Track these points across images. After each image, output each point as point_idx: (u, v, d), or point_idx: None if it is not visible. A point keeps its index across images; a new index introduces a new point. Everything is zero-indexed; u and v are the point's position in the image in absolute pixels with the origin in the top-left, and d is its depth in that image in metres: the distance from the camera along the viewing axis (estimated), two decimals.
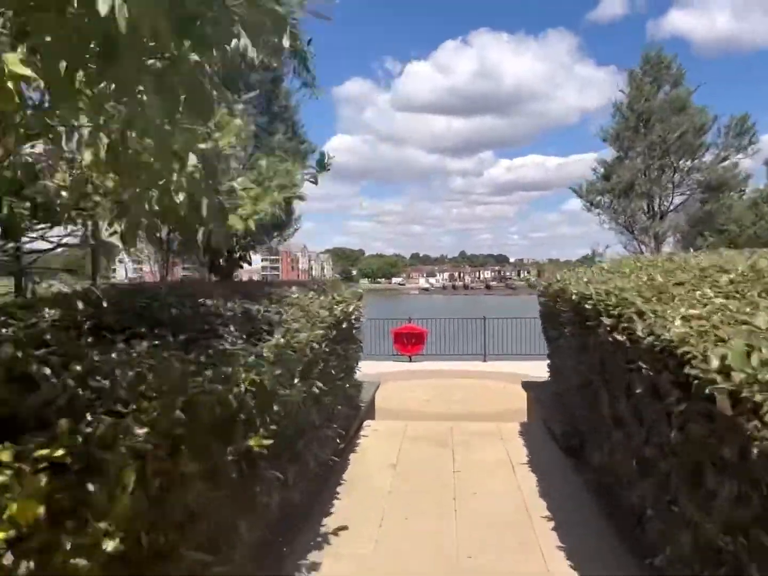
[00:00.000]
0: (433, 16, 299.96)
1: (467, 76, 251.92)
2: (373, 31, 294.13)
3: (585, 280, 4.84)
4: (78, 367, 1.90)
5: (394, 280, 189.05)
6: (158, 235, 7.52)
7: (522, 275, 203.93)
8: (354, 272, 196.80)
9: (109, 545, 1.47)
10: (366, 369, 7.99)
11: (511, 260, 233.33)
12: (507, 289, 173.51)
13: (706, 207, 19.49)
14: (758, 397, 1.72)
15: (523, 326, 14.10)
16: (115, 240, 2.72)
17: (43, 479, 1.36)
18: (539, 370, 8.00)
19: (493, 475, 5.24)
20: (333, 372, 4.66)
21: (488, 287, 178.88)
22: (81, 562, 1.41)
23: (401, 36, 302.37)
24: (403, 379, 12.45)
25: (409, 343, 14.74)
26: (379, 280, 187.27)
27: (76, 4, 1.44)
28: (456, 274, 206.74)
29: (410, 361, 14.73)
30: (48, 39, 1.51)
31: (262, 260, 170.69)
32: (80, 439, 1.51)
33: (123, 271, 25.60)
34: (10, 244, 3.24)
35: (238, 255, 7.29)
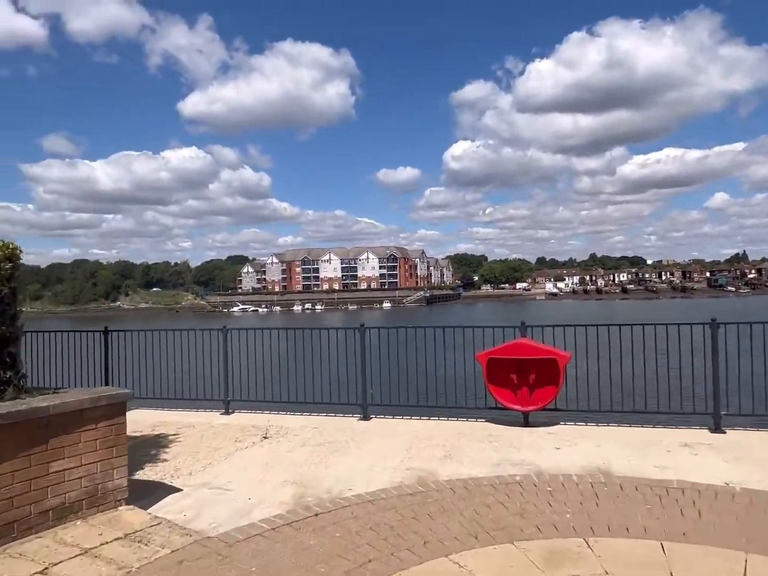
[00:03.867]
0: (556, 10, 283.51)
1: (595, 69, 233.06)
2: (492, 31, 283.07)
3: None
4: None
5: (519, 285, 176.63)
6: None
7: (664, 277, 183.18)
8: (475, 278, 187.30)
9: None
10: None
11: (649, 262, 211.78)
12: (647, 292, 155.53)
13: None
14: None
15: None
16: None
17: None
18: None
19: None
20: None
21: (625, 290, 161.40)
22: None
23: (522, 34, 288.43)
24: None
25: (521, 382, 6.75)
26: (502, 285, 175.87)
27: None
28: (587, 278, 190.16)
29: (526, 424, 6.80)
30: None
31: (380, 267, 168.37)
32: None
33: None
34: None
35: None
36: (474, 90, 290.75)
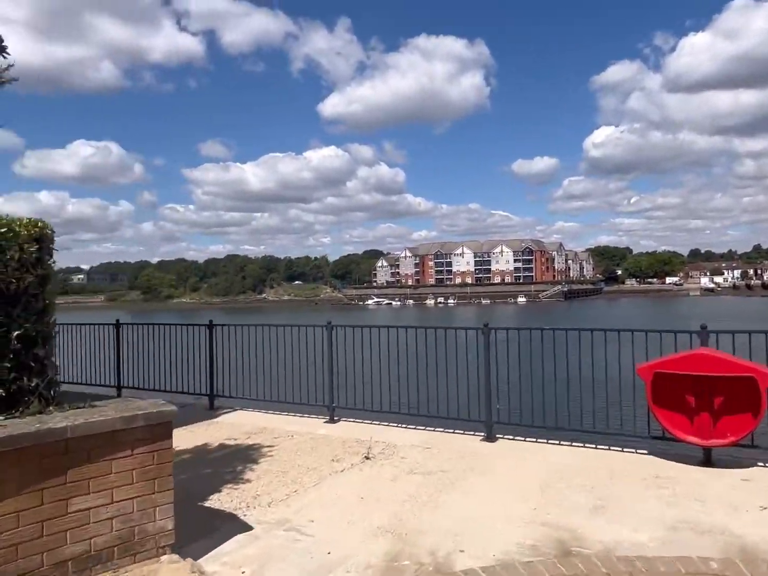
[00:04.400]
0: None
1: (762, 38, 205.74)
2: (638, 7, 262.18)
3: None
4: None
5: (669, 279, 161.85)
6: None
7: None
8: (619, 272, 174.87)
9: None
10: None
11: None
12: None
13: None
14: None
15: None
16: None
17: None
18: None
19: None
20: None
21: None
22: None
23: (673, 7, 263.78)
24: None
25: (702, 407, 5.00)
26: (650, 280, 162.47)
27: None
28: (751, 271, 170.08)
29: (707, 463, 5.06)
30: None
31: (514, 260, 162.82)
32: None
33: None
34: None
35: None
36: (618, 71, 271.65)
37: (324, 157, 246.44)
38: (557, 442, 5.95)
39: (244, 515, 4.31)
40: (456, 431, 6.51)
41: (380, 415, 7.02)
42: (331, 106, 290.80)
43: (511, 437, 6.22)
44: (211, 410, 8.07)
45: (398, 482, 4.94)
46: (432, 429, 6.66)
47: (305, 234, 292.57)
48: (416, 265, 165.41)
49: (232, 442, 6.34)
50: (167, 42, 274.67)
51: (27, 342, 3.32)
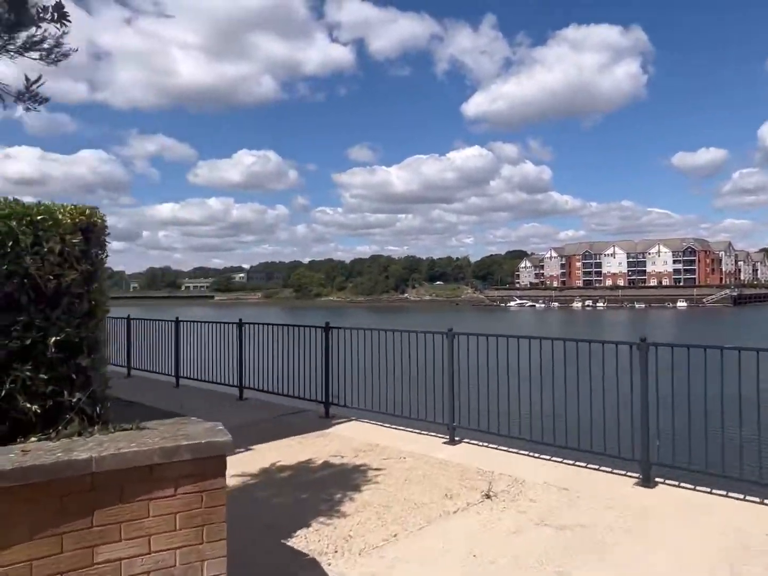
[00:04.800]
0: None
1: None
2: None
3: None
4: None
5: None
6: None
7: None
8: None
9: None
10: None
11: None
12: None
13: None
14: None
15: None
16: None
17: None
18: None
19: None
20: None
21: None
22: None
23: None
24: None
25: None
26: None
27: None
28: None
29: None
30: None
31: (674, 261, 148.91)
32: None
33: None
34: None
35: None
36: None
37: (467, 157, 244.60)
38: (741, 496, 4.54)
39: (329, 563, 3.57)
40: (601, 468, 5.29)
41: (509, 440, 5.98)
42: (475, 105, 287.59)
43: (674, 483, 4.88)
44: (326, 418, 7.52)
45: (522, 536, 3.92)
46: (571, 462, 5.49)
47: (448, 234, 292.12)
48: (562, 265, 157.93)
49: (338, 461, 5.68)
50: (320, 54, 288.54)
51: (68, 350, 2.83)
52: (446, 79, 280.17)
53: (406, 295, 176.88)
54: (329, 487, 4.88)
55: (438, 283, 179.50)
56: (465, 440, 6.29)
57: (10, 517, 2.34)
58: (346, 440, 6.42)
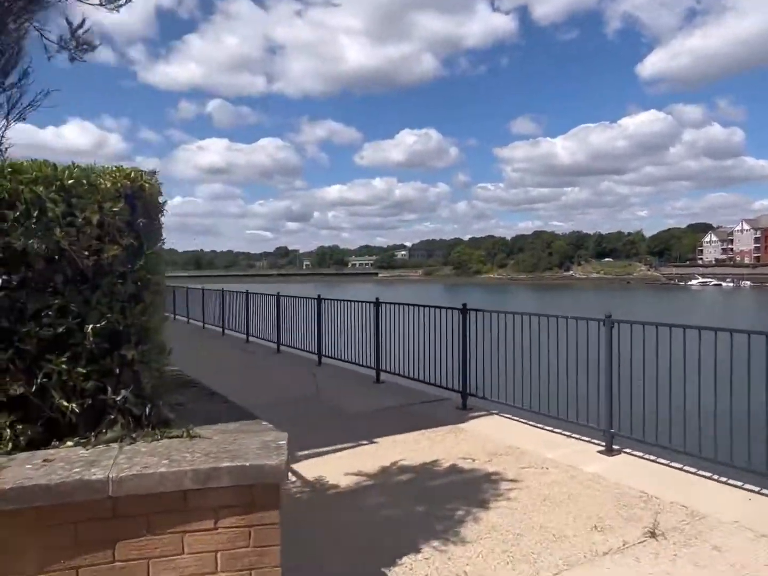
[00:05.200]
0: None
1: None
2: None
3: None
4: None
5: None
6: None
7: None
8: None
9: None
10: None
11: None
12: None
13: None
14: None
15: None
16: None
17: None
18: None
19: None
20: None
21: None
22: None
23: None
24: None
25: None
26: None
27: None
28: None
29: None
30: None
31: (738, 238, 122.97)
32: None
33: None
34: None
35: None
36: None
37: (642, 122, 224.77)
38: None
39: None
40: None
41: (683, 456, 4.76)
42: (652, 64, 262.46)
43: None
44: (463, 410, 6.76)
45: None
46: None
47: (618, 208, 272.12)
48: (756, 239, 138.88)
49: (467, 465, 4.92)
50: (481, 26, 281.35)
51: (111, 339, 2.38)
52: (619, 39, 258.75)
53: (571, 272, 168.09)
54: (452, 500, 4.14)
55: (607, 259, 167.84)
56: (626, 450, 5.17)
57: (14, 544, 1.92)
58: (480, 439, 5.62)
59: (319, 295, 10.59)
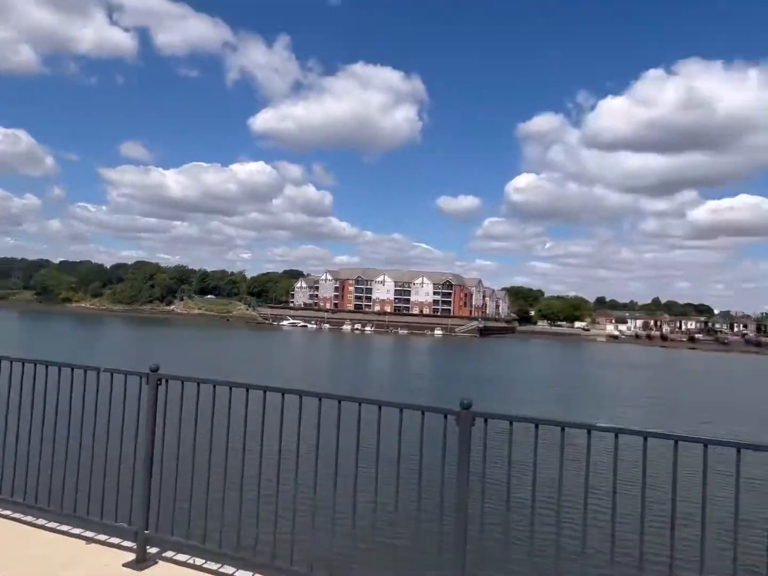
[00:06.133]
0: (634, 44, 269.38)
1: (672, 108, 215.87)
2: (566, 64, 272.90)
3: None
4: None
5: (577, 324, 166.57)
6: None
7: (736, 329, 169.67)
8: (532, 312, 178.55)
9: None
10: None
11: (716, 311, 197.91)
12: (717, 344, 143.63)
13: None
14: None
15: None
16: None
17: None
18: None
19: None
20: None
21: (692, 339, 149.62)
22: None
23: (598, 67, 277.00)
24: None
25: None
26: (559, 323, 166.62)
27: None
28: (651, 323, 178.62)
29: None
30: None
31: (434, 293, 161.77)
32: None
33: None
34: None
35: None
36: (542, 122, 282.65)
37: (251, 171, 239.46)
38: None
39: None
40: None
41: (229, 560, 3.56)
42: (263, 120, 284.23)
43: None
44: None
45: None
46: None
47: (225, 248, 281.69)
48: (336, 288, 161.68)
49: None
50: (97, 34, 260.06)
51: None
52: (236, 90, 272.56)
53: (172, 307, 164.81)
54: None
55: (210, 296, 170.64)
56: (165, 555, 3.72)
57: None
58: None
59: None
